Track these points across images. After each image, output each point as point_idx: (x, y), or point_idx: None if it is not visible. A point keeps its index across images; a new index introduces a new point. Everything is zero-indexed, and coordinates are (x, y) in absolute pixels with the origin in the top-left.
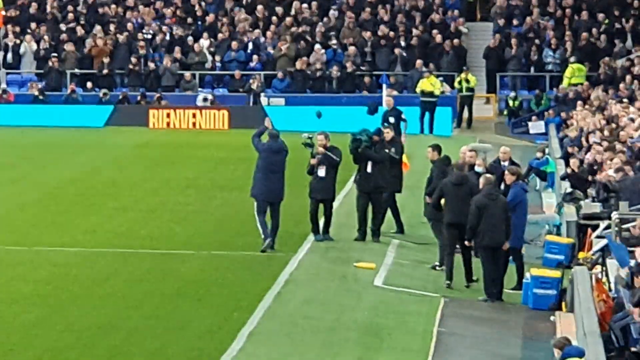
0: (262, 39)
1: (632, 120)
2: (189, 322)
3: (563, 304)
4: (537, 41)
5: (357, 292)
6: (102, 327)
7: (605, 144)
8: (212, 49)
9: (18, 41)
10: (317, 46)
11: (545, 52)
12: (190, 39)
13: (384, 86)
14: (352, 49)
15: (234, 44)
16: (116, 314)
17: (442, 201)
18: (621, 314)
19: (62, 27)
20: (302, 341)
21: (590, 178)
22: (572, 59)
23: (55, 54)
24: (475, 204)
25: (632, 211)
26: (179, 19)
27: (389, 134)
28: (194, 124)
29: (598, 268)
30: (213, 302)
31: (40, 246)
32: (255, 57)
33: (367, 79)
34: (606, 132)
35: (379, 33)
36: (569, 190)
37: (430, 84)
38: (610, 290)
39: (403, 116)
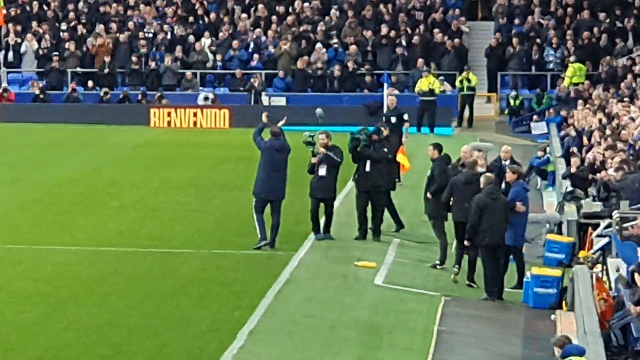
0: (263, 38)
1: (633, 119)
2: (189, 321)
3: (563, 302)
4: (538, 40)
5: (357, 291)
6: (102, 326)
7: (606, 143)
8: (213, 48)
9: (19, 40)
10: (318, 45)
11: (546, 51)
12: (191, 38)
13: (385, 85)
14: (353, 48)
15: (235, 43)
16: (117, 312)
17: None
18: (621, 312)
19: (63, 26)
20: (302, 340)
21: (590, 177)
22: (571, 59)
23: (57, 53)
24: (476, 204)
25: (633, 210)
26: (180, 17)
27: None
28: (194, 123)
29: (598, 267)
30: (214, 301)
31: (40, 245)
32: (256, 56)
33: (368, 78)
34: (607, 131)
35: (380, 32)
36: (570, 189)
37: (428, 83)
38: (610, 289)
39: (405, 117)
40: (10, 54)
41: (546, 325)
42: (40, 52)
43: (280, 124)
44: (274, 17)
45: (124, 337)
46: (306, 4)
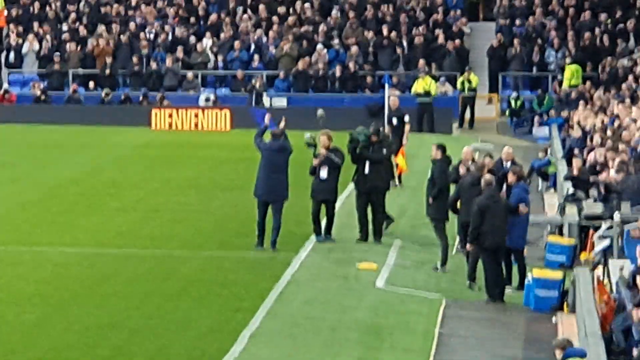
0: (265, 39)
1: (634, 120)
2: (190, 322)
3: (565, 305)
4: (539, 41)
5: (358, 293)
6: (103, 327)
7: (607, 144)
8: (214, 49)
9: (20, 41)
10: (320, 46)
11: (547, 52)
12: (192, 38)
13: (387, 86)
14: (354, 49)
15: (237, 44)
16: (117, 313)
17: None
18: (623, 315)
19: (65, 26)
20: (303, 341)
21: (592, 179)
22: (567, 60)
23: (58, 54)
24: (478, 206)
25: (634, 211)
26: (182, 18)
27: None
28: (196, 124)
29: (600, 269)
30: (214, 303)
31: (41, 246)
32: (257, 57)
33: (369, 79)
34: (608, 133)
35: (382, 33)
36: (571, 190)
37: (424, 85)
38: (612, 291)
39: (406, 118)
40: (12, 55)
41: (547, 328)
42: (42, 53)
43: (280, 125)
44: (275, 18)
45: (125, 338)
46: (307, 5)
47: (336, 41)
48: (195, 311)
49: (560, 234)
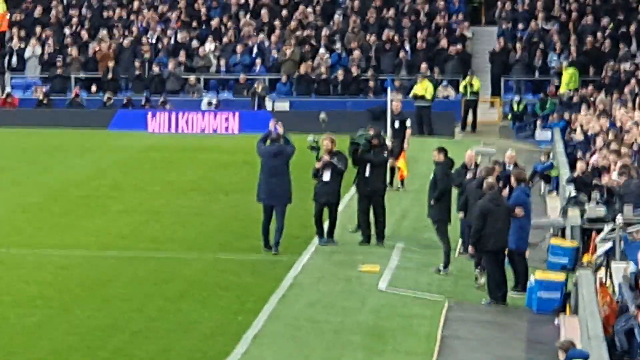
0: (267, 43)
1: (637, 124)
2: (192, 324)
3: (567, 307)
4: (541, 45)
5: (361, 295)
6: (105, 329)
7: (610, 147)
8: (216, 53)
9: (23, 45)
10: (322, 50)
11: (550, 56)
12: (195, 42)
13: (389, 90)
14: (356, 53)
15: (239, 48)
16: (120, 316)
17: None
18: (625, 317)
19: (67, 30)
20: (306, 344)
21: (594, 182)
22: (564, 64)
23: (60, 58)
24: (480, 209)
25: (636, 215)
26: (184, 23)
27: (372, 131)
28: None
29: (602, 271)
30: (217, 305)
31: (43, 248)
32: (259, 61)
33: (371, 83)
34: (610, 136)
35: (384, 37)
36: (574, 193)
37: (422, 88)
38: (614, 293)
39: (407, 123)
40: (14, 59)
41: (550, 330)
42: (44, 57)
43: (278, 129)
44: (277, 22)
45: (127, 340)
46: (309, 9)
47: (338, 45)
48: (198, 313)
49: (563, 236)
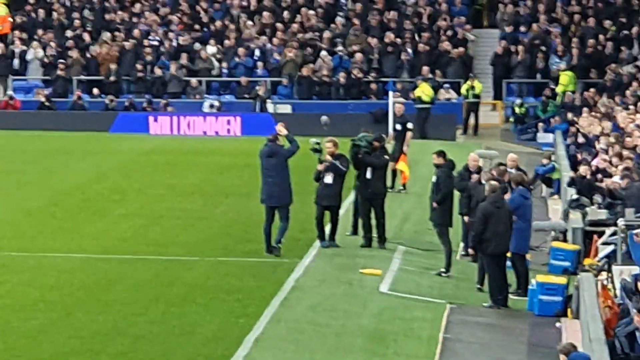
0: (269, 46)
1: (639, 126)
2: (194, 328)
3: (569, 310)
4: (543, 48)
5: (362, 298)
6: (108, 333)
7: (612, 150)
8: (218, 56)
9: (25, 47)
10: (324, 53)
11: (551, 58)
12: (196, 45)
13: (391, 93)
14: (358, 55)
15: (241, 51)
16: (122, 319)
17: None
18: (626, 320)
19: (69, 33)
20: (308, 347)
21: (596, 185)
22: (562, 66)
23: (62, 61)
24: (481, 212)
25: (638, 217)
26: (186, 25)
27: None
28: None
29: (604, 274)
30: (219, 308)
31: (46, 252)
32: (261, 63)
33: (373, 86)
34: (612, 139)
35: (386, 40)
36: (575, 196)
37: (420, 91)
38: (615, 296)
39: (409, 125)
40: (16, 62)
41: (551, 333)
42: (46, 59)
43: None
44: (279, 25)
45: (129, 344)
46: (311, 12)
47: (340, 48)
48: (200, 317)
49: (565, 239)
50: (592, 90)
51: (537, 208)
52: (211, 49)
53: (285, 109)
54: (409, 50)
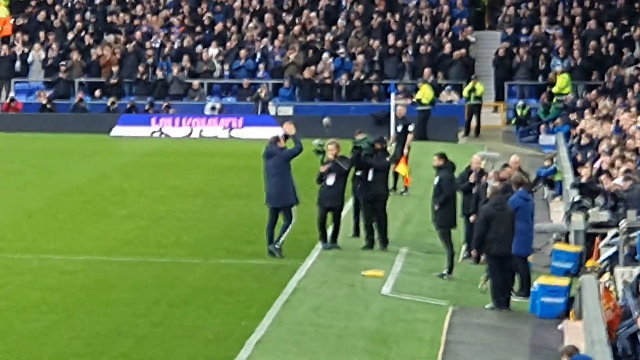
0: (271, 48)
1: None
2: (196, 329)
3: (571, 312)
4: (545, 50)
5: (365, 300)
6: (109, 334)
7: (614, 152)
8: (220, 58)
9: (26, 50)
10: (325, 55)
11: (553, 60)
12: (198, 47)
13: (392, 95)
14: (360, 57)
15: (243, 53)
16: (124, 321)
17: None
18: (629, 322)
19: (70, 35)
20: (310, 349)
21: (598, 186)
22: (558, 69)
23: (64, 63)
24: (483, 214)
25: None
26: (187, 27)
27: (360, 135)
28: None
29: (606, 276)
30: (221, 310)
31: (47, 254)
32: (262, 65)
33: (375, 88)
34: (613, 141)
35: (387, 42)
36: (577, 198)
37: (420, 93)
38: (618, 298)
39: (410, 128)
40: (18, 64)
41: (553, 335)
42: (48, 61)
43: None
44: (281, 27)
45: (131, 346)
46: (313, 14)
47: (342, 50)
48: (202, 318)
49: (567, 241)
50: (593, 92)
51: (539, 210)
52: (213, 51)
53: (287, 111)
54: (411, 52)
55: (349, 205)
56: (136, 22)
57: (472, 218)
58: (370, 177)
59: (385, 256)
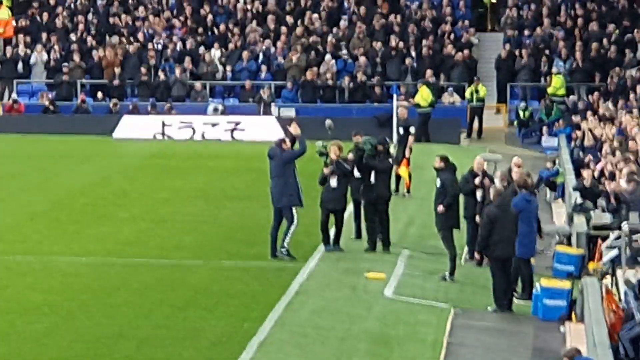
0: (273, 50)
1: None
2: (199, 332)
3: (573, 314)
4: (547, 51)
5: (367, 302)
6: (112, 337)
7: (617, 154)
8: (222, 60)
9: (29, 51)
10: (328, 56)
11: (555, 62)
12: (201, 49)
13: (395, 97)
14: (362, 59)
15: (245, 54)
16: (126, 323)
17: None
18: (630, 324)
19: (73, 37)
20: (312, 351)
21: (600, 188)
22: (554, 70)
23: (66, 64)
24: (487, 215)
25: None
26: (190, 29)
27: (357, 137)
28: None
29: (608, 279)
30: (223, 312)
31: (50, 256)
32: (265, 67)
33: (377, 90)
34: (615, 143)
35: (390, 43)
36: (579, 200)
37: (419, 95)
38: (620, 300)
39: (411, 130)
40: (20, 65)
41: (556, 337)
42: (50, 63)
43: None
44: (283, 29)
45: (134, 348)
46: (315, 15)
47: (344, 51)
48: (204, 321)
49: (569, 243)
50: (596, 94)
51: (541, 212)
52: (215, 52)
53: (289, 112)
54: (413, 54)
55: (351, 207)
56: (138, 23)
57: (477, 219)
58: (372, 179)
59: (387, 258)
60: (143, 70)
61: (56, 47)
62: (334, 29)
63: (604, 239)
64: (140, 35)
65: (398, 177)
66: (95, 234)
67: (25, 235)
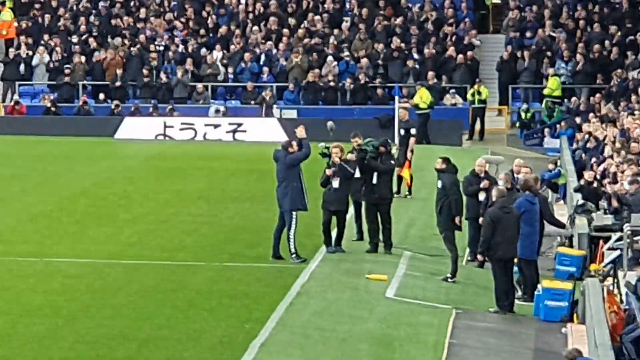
0: (275, 51)
1: None
2: (200, 333)
3: (574, 315)
4: (549, 53)
5: (369, 304)
6: (114, 338)
7: (619, 156)
8: (224, 61)
9: (31, 52)
10: (330, 58)
11: (557, 64)
12: (202, 50)
13: (397, 98)
14: (364, 60)
15: (247, 56)
16: (128, 325)
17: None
18: (632, 325)
19: (75, 38)
20: (314, 352)
21: (602, 190)
22: (550, 71)
23: (68, 66)
24: (489, 217)
25: None
26: (192, 30)
27: (356, 138)
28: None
29: (609, 280)
30: (225, 314)
31: (51, 257)
32: (267, 69)
33: (379, 91)
34: (617, 144)
35: (392, 45)
36: (581, 202)
37: (417, 97)
38: (621, 302)
39: (412, 131)
40: (22, 67)
41: (557, 339)
42: (52, 64)
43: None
44: (285, 30)
45: (135, 349)
46: (317, 17)
47: (346, 53)
48: (206, 322)
49: (570, 245)
50: (598, 95)
51: None
52: (217, 54)
53: (291, 114)
54: (415, 56)
55: (352, 208)
56: (140, 25)
57: (480, 220)
58: (374, 180)
59: (389, 259)
60: (145, 71)
61: (58, 48)
62: (336, 31)
63: (606, 240)
64: (142, 37)
65: (399, 179)
66: (96, 235)
67: (26, 236)
